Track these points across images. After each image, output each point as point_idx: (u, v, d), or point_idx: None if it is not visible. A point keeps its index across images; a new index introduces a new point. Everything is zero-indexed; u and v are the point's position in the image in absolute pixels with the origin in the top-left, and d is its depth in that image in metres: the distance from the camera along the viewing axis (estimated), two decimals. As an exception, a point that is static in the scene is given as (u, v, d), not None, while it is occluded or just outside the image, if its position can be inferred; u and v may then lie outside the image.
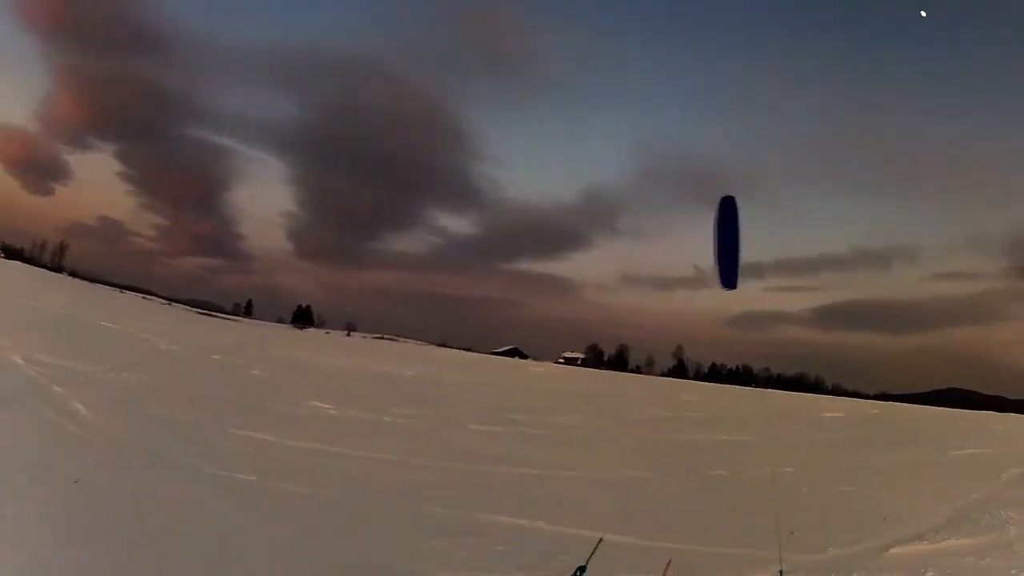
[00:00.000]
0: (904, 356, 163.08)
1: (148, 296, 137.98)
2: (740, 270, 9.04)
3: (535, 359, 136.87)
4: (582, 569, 5.65)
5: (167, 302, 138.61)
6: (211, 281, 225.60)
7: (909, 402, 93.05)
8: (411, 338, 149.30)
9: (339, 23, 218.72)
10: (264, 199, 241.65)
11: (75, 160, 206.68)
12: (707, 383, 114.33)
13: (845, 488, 20.42)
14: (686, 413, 44.61)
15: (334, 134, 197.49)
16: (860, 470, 24.34)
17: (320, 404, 26.87)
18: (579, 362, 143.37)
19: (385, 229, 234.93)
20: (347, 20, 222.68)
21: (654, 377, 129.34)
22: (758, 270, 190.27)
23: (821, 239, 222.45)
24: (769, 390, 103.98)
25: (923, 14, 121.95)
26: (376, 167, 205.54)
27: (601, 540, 6.75)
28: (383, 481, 15.64)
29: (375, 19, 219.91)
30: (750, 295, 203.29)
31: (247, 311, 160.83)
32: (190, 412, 21.09)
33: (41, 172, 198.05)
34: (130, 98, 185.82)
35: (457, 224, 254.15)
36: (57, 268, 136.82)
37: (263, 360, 44.40)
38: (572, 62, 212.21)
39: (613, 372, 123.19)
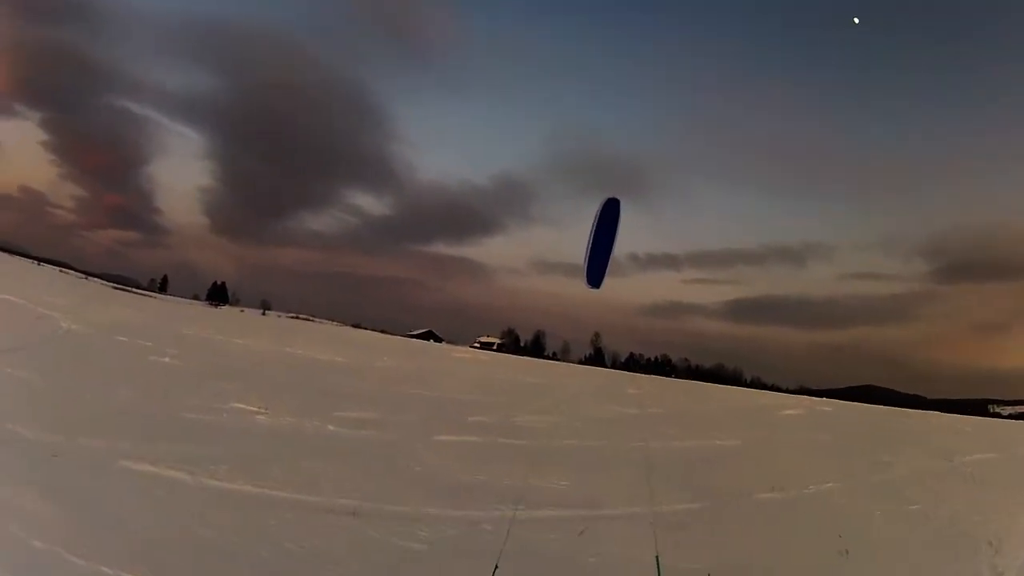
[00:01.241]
0: (819, 352, 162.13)
1: (65, 269, 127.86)
2: (608, 269, 8.95)
3: (450, 343, 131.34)
4: None
5: (84, 276, 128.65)
6: (128, 255, 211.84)
7: (830, 397, 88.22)
8: (326, 318, 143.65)
9: (262, 2, 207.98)
10: (181, 173, 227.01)
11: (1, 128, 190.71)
12: (631, 372, 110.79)
13: (912, 507, 17.73)
14: (648, 410, 39.33)
15: (252, 110, 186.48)
16: (896, 483, 21.29)
17: (246, 407, 20.34)
18: (495, 347, 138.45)
19: (300, 207, 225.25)
20: (281, 8, 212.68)
21: (578, 365, 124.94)
22: (673, 262, 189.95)
23: (735, 234, 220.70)
24: (696, 382, 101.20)
25: (856, 21, 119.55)
26: (292, 145, 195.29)
27: (497, 567, 5.92)
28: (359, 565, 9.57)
29: (308, 12, 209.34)
30: (665, 286, 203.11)
31: (162, 287, 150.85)
32: (71, 429, 14.33)
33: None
34: (56, 65, 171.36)
35: (371, 204, 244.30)
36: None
37: (176, 342, 37.14)
38: (489, 48, 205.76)
39: (531, 358, 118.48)
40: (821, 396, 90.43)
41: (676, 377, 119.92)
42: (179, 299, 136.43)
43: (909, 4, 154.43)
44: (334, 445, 17.45)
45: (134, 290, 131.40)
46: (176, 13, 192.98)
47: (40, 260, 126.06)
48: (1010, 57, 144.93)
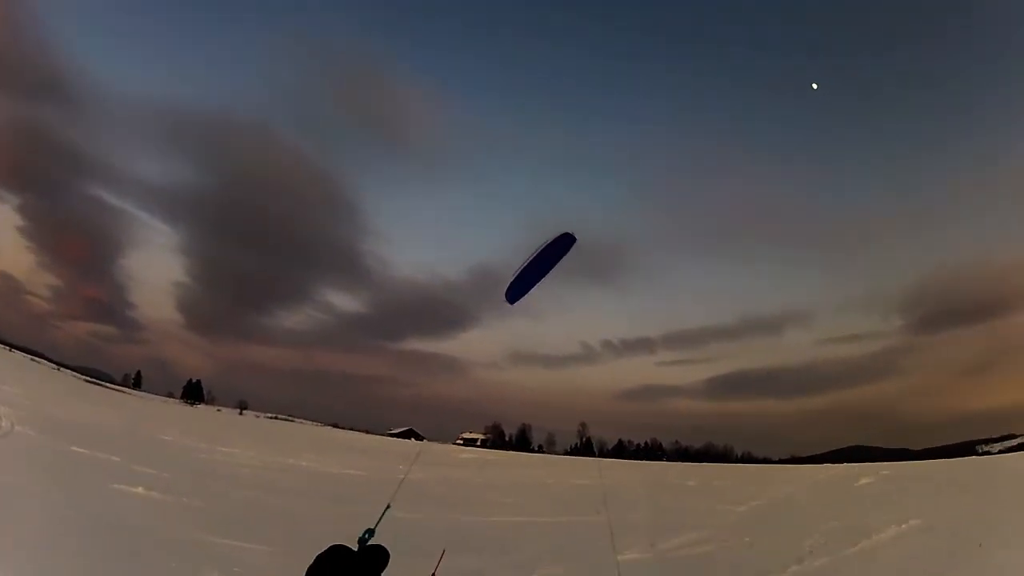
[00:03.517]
0: (804, 419, 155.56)
1: (38, 359, 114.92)
2: (528, 292, 8.61)
3: (432, 440, 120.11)
4: (370, 532, 4.56)
5: (56, 367, 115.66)
6: (102, 348, 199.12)
7: (817, 463, 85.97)
8: (304, 418, 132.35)
9: (239, 93, 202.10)
10: (155, 267, 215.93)
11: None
12: (636, 461, 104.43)
13: None
14: (751, 503, 31.81)
15: (228, 204, 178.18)
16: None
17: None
18: (479, 443, 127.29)
19: (275, 305, 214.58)
20: (246, 91, 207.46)
21: (568, 456, 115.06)
22: (648, 345, 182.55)
23: (708, 311, 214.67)
24: (725, 464, 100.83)
25: (814, 86, 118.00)
26: (267, 241, 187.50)
27: (389, 506, 5.77)
28: None
29: (272, 92, 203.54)
30: (642, 370, 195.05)
31: (136, 383, 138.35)
32: None
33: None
34: (35, 149, 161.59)
35: (345, 301, 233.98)
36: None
37: (152, 455, 26.54)
38: (462, 140, 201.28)
39: (517, 452, 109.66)
40: (809, 463, 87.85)
41: (668, 460, 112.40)
42: (153, 396, 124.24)
43: (861, 64, 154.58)
44: None
45: (108, 385, 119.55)
46: (156, 101, 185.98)
47: (13, 347, 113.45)
48: (965, 105, 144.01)
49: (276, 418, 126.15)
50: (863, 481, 40.44)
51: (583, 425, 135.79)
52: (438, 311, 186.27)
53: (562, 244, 8.27)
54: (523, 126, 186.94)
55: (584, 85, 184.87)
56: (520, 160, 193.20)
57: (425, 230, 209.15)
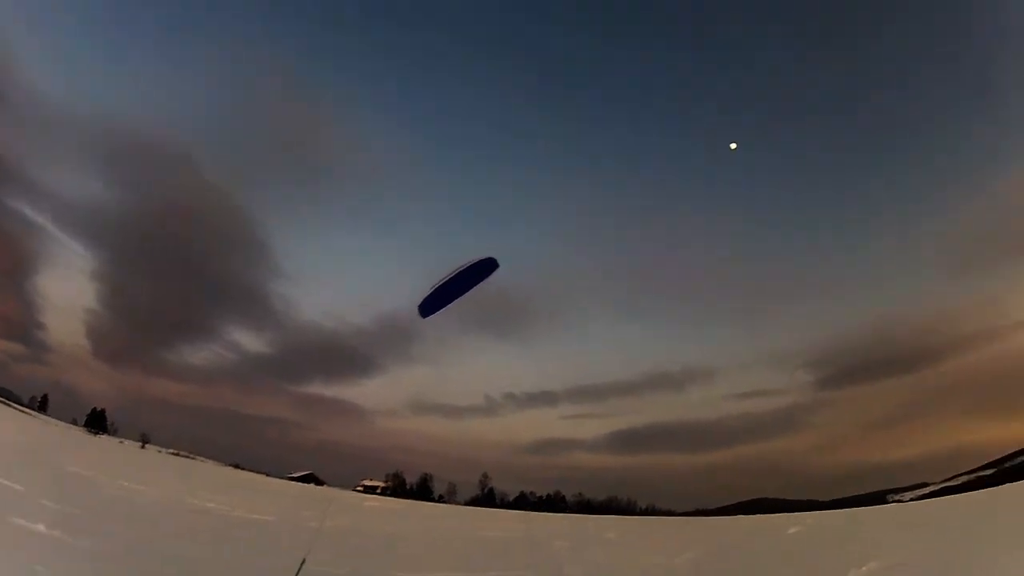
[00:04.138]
0: (708, 473, 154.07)
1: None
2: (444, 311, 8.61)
3: (332, 485, 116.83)
4: None
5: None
6: (9, 366, 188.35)
7: (724, 515, 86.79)
8: (204, 455, 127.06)
9: (167, 117, 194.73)
10: (68, 290, 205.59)
11: None
12: (543, 513, 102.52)
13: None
14: (683, 555, 31.41)
15: (144, 235, 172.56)
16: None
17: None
18: (378, 490, 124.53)
19: (181, 339, 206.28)
20: (174, 115, 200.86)
21: (470, 508, 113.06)
22: (551, 398, 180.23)
23: (613, 366, 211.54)
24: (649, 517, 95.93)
25: (732, 147, 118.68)
26: (179, 275, 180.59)
27: (304, 561, 3.85)
28: None
29: (196, 121, 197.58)
30: (544, 423, 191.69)
31: (42, 406, 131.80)
32: None
33: None
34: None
35: (250, 341, 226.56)
36: None
37: (55, 487, 25.19)
38: (379, 186, 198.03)
39: (419, 501, 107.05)
40: (716, 515, 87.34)
41: (569, 512, 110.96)
42: (58, 422, 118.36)
43: (783, 126, 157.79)
44: None
45: (15, 406, 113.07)
46: (79, 113, 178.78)
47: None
48: (884, 165, 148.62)
49: (178, 454, 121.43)
50: (793, 530, 40.15)
51: (485, 476, 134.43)
52: (343, 356, 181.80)
53: (483, 267, 8.28)
54: (441, 177, 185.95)
55: (501, 134, 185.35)
56: (432, 208, 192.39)
57: (334, 274, 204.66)
